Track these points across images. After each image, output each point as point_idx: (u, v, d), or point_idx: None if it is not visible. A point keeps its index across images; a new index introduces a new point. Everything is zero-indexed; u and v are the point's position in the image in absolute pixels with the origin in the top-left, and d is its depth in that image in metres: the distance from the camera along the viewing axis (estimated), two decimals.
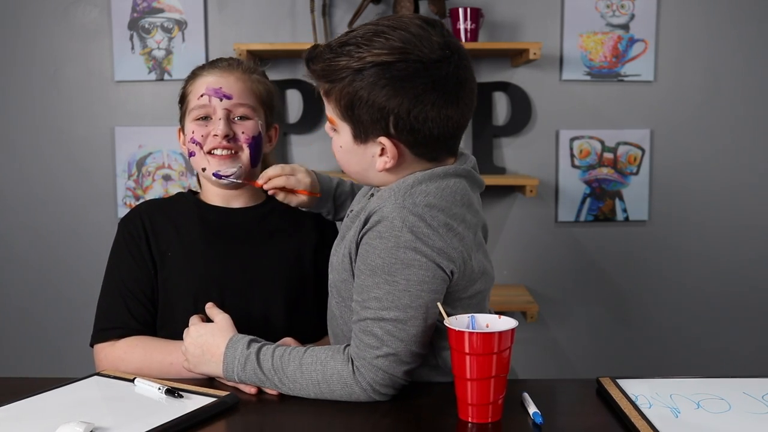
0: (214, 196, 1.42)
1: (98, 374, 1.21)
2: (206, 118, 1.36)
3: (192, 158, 1.39)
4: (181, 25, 2.52)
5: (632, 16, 2.52)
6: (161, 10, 2.51)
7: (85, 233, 2.58)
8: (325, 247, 1.40)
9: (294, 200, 1.39)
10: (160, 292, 1.33)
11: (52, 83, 2.56)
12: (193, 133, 1.36)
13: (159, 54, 2.52)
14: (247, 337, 1.14)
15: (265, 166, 1.46)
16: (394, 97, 1.04)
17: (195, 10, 2.51)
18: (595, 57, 2.53)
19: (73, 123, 2.57)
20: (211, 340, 1.16)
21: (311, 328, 1.37)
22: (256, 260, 1.37)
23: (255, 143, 1.38)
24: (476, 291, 1.15)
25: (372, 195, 1.20)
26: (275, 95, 1.47)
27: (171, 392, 1.08)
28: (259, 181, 1.38)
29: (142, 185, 2.56)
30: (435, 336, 1.12)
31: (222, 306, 1.25)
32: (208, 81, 1.37)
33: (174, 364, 1.22)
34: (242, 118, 1.37)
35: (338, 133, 1.13)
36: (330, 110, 1.12)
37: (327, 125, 1.17)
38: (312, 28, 2.42)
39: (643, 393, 1.07)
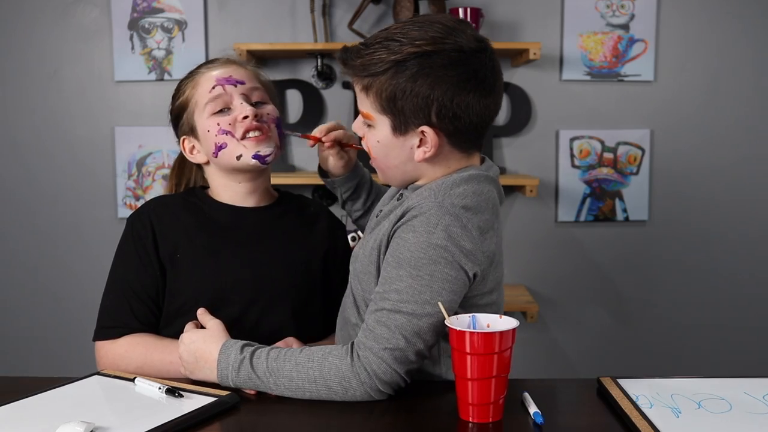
0: (227, 193, 1.38)
1: (98, 374, 1.21)
2: (223, 110, 1.32)
3: (222, 151, 1.32)
4: (181, 25, 2.52)
5: (632, 16, 2.52)
6: (161, 10, 2.51)
7: (85, 233, 2.58)
8: (335, 253, 1.42)
9: (343, 157, 1.42)
10: (167, 294, 1.31)
11: (52, 83, 2.56)
12: (218, 125, 1.31)
13: (159, 54, 2.52)
14: (240, 342, 1.14)
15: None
16: (438, 85, 1.07)
17: (195, 10, 2.51)
18: (595, 57, 2.53)
19: (73, 123, 2.57)
20: (203, 346, 1.14)
21: (317, 335, 1.36)
22: (266, 266, 1.34)
23: (279, 124, 1.37)
24: (492, 301, 1.17)
25: (400, 196, 1.21)
26: (273, 87, 1.46)
27: (171, 392, 1.08)
28: (317, 134, 1.39)
29: (142, 185, 2.56)
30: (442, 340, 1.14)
31: (230, 312, 1.25)
32: (214, 74, 1.34)
33: (174, 363, 1.22)
34: (259, 103, 1.35)
35: (374, 128, 1.15)
36: (367, 105, 1.13)
37: (357, 123, 1.18)
38: (312, 28, 2.42)
39: (643, 393, 1.07)
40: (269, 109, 1.36)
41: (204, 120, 1.33)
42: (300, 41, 2.50)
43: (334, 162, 1.43)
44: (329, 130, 1.39)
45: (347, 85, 2.52)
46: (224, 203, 1.38)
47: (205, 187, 1.44)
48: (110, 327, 1.29)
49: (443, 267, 1.06)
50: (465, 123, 1.10)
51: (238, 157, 1.32)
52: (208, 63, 1.40)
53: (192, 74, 1.38)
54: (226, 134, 1.32)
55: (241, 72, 1.36)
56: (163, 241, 1.32)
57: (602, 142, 2.56)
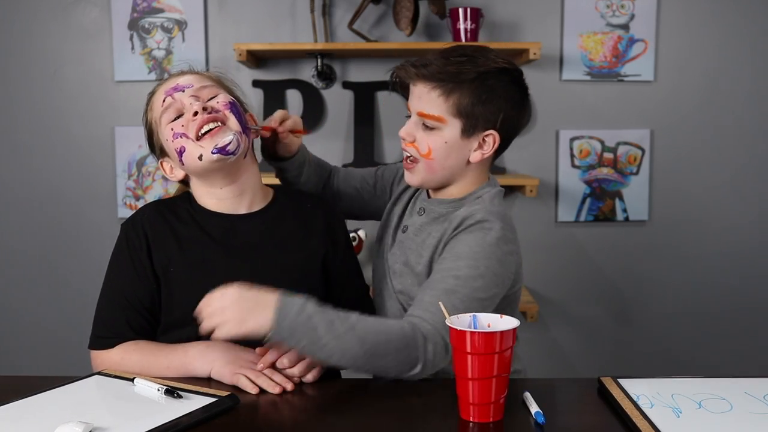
0: (212, 201, 1.34)
1: (98, 374, 1.21)
2: (177, 117, 1.30)
3: (184, 156, 1.29)
4: (181, 25, 2.52)
5: (632, 16, 2.52)
6: (161, 10, 2.51)
7: (85, 233, 2.58)
8: (335, 251, 1.38)
9: (296, 142, 1.45)
10: (163, 306, 1.29)
11: (53, 83, 2.55)
12: (172, 130, 1.30)
13: (159, 54, 2.52)
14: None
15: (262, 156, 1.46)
16: (510, 97, 1.29)
17: (195, 10, 2.51)
18: (595, 57, 2.53)
19: (74, 123, 2.57)
20: (259, 294, 1.10)
21: None
22: (261, 275, 1.25)
23: (234, 108, 1.32)
24: (518, 293, 1.36)
25: (421, 211, 1.38)
26: (233, 82, 1.43)
27: (171, 392, 1.08)
28: (272, 125, 1.40)
29: (142, 185, 2.55)
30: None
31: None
32: (163, 88, 1.34)
33: (170, 367, 1.21)
34: (210, 99, 1.32)
35: (440, 131, 1.28)
36: (442, 109, 1.26)
37: (411, 126, 1.31)
38: (312, 28, 2.42)
39: (644, 393, 1.07)
40: (220, 98, 1.33)
41: (163, 128, 1.32)
42: (300, 41, 2.50)
43: (293, 143, 1.46)
44: (283, 120, 1.43)
45: (347, 85, 2.52)
46: (215, 212, 1.34)
47: None
48: (105, 337, 1.27)
49: (495, 262, 1.22)
50: (512, 134, 1.34)
51: (200, 158, 1.27)
52: (160, 81, 1.39)
53: (149, 98, 1.38)
54: (182, 137, 1.29)
55: (188, 77, 1.35)
56: (157, 253, 1.29)
57: (602, 142, 2.56)
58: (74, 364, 2.43)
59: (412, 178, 1.35)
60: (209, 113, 1.29)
